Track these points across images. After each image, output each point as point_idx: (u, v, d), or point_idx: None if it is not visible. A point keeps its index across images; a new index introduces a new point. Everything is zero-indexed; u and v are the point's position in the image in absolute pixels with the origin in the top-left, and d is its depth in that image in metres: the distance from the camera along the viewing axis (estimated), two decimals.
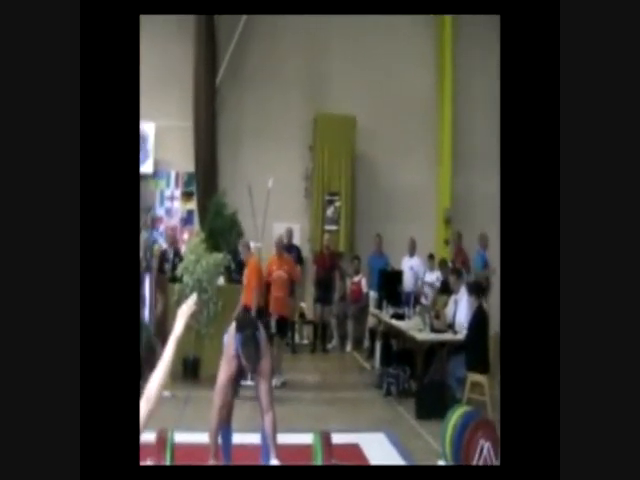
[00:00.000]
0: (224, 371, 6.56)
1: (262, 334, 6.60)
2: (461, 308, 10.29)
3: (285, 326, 11.77)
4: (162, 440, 6.45)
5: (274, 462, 6.43)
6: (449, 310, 10.83)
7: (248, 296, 10.51)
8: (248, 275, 10.70)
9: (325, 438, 6.61)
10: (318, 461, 6.48)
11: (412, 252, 14.32)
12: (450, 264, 13.38)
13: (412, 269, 14.00)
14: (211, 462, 6.50)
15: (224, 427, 6.68)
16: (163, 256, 12.69)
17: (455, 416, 7.03)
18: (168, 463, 6.35)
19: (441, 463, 7.11)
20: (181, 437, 7.90)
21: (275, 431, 6.55)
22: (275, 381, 10.56)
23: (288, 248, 13.64)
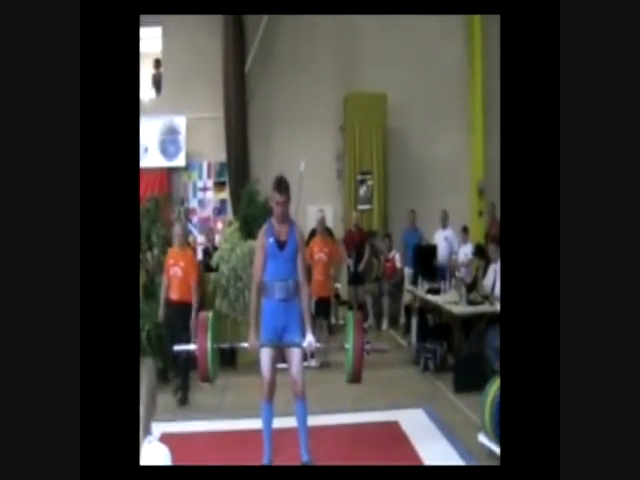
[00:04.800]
0: (257, 244, 6.77)
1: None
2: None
3: (327, 307, 11.83)
4: (203, 321, 6.66)
5: (309, 337, 6.57)
6: (488, 280, 10.79)
7: (184, 290, 9.31)
8: (187, 267, 9.40)
9: (357, 319, 6.77)
10: (350, 342, 6.58)
11: (445, 224, 14.24)
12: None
13: (446, 240, 13.96)
14: (251, 340, 6.67)
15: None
16: (205, 253, 12.96)
17: (494, 388, 7.00)
18: (210, 344, 6.53)
19: (481, 436, 7.13)
20: (221, 425, 8.13)
21: (310, 303, 6.81)
22: (316, 362, 10.74)
23: None
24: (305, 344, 6.57)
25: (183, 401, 9.11)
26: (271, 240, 6.59)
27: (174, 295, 9.29)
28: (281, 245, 6.60)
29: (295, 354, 6.68)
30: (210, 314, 6.77)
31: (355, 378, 6.72)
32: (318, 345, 6.66)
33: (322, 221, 11.99)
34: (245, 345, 6.76)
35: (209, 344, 6.53)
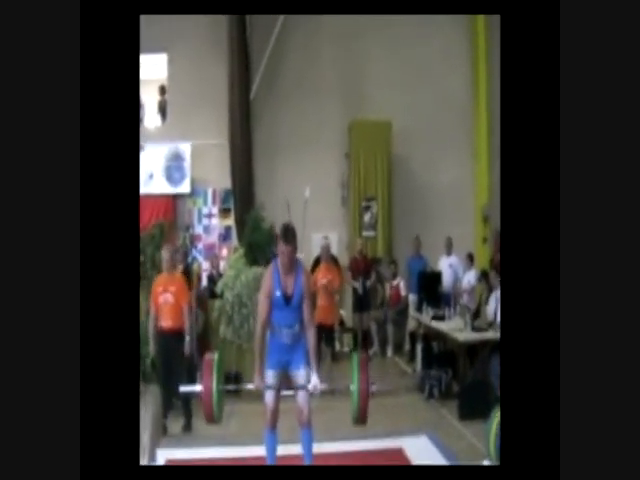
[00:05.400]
0: (263, 289, 6.65)
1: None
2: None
3: (330, 335, 11.66)
4: (209, 362, 6.60)
5: (314, 379, 6.52)
6: (490, 308, 10.79)
7: (177, 316, 9.12)
8: (177, 291, 9.14)
9: (362, 360, 6.71)
10: (355, 384, 6.55)
11: (449, 251, 14.25)
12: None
13: (451, 267, 13.95)
14: (256, 382, 6.60)
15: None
16: (210, 280, 12.95)
17: (499, 415, 6.99)
18: (215, 384, 6.47)
19: (486, 463, 7.10)
20: (225, 452, 8.10)
21: (316, 347, 6.67)
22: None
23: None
24: (310, 387, 6.56)
25: (187, 428, 9.04)
26: (278, 294, 6.57)
27: (166, 323, 9.04)
28: (288, 298, 6.59)
29: (305, 302, 6.67)
30: (216, 355, 6.74)
31: (361, 420, 6.71)
32: (323, 387, 6.61)
33: (327, 248, 11.97)
34: (250, 386, 6.70)
35: (215, 386, 6.51)
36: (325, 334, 11.25)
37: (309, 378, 6.61)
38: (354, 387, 6.58)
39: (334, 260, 13.81)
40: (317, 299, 10.97)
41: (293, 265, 6.60)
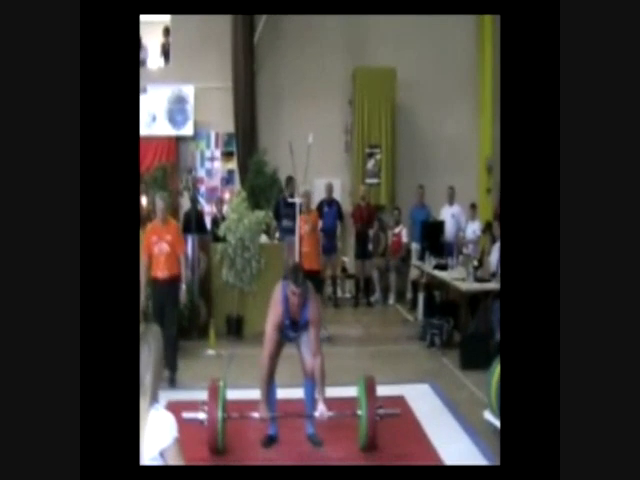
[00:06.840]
0: (271, 318, 6.57)
1: (308, 283, 6.61)
2: None
3: (315, 280, 10.91)
4: (214, 390, 6.54)
5: (321, 407, 6.45)
6: (493, 258, 10.77)
7: (173, 265, 8.95)
8: (173, 240, 8.95)
9: (369, 385, 6.64)
10: (363, 409, 6.52)
11: (451, 200, 14.26)
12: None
13: (453, 216, 13.92)
14: (261, 411, 6.52)
15: (271, 378, 6.70)
16: (214, 223, 12.84)
17: (500, 365, 6.99)
18: (220, 414, 6.40)
19: (487, 413, 7.12)
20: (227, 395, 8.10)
21: (324, 375, 6.59)
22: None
23: (329, 203, 13.72)
24: (317, 414, 6.52)
25: (172, 382, 8.74)
26: (287, 322, 6.57)
27: (162, 273, 8.83)
28: (296, 323, 6.60)
29: (306, 334, 6.64)
30: (221, 383, 6.67)
31: (370, 445, 6.64)
32: (330, 414, 6.51)
33: (308, 196, 11.76)
34: (255, 415, 6.58)
35: (219, 414, 6.42)
36: (313, 280, 11.11)
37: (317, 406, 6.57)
38: (362, 412, 6.56)
39: (337, 205, 13.99)
40: (301, 246, 11.00)
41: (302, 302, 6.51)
